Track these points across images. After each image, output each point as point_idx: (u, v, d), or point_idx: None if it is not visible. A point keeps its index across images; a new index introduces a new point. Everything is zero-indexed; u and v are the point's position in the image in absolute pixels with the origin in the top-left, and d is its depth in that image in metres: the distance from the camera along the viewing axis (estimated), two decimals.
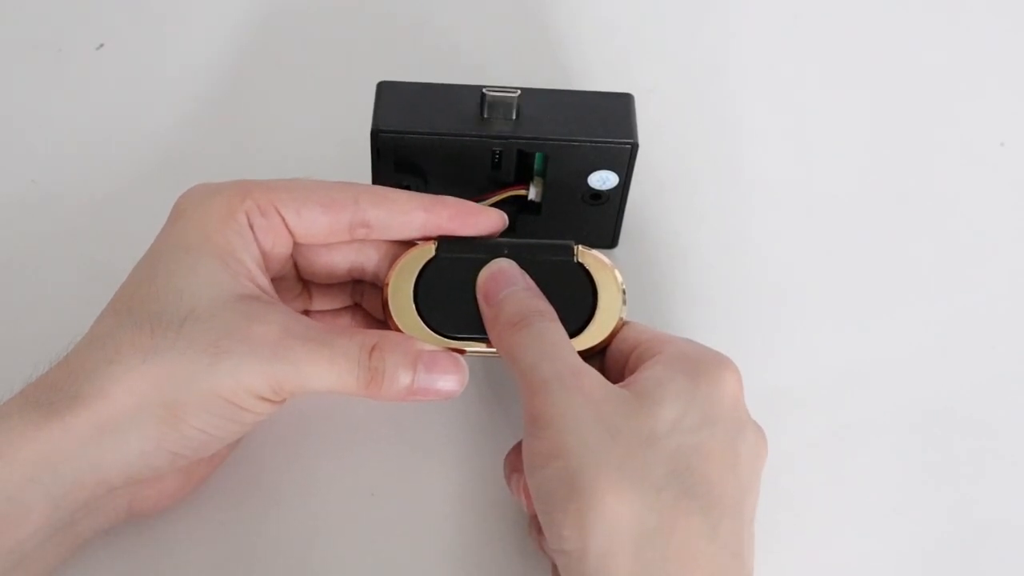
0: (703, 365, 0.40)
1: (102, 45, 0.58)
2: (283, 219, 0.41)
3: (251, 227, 0.40)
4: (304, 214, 0.41)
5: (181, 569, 0.42)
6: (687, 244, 0.52)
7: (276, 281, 0.42)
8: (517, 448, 0.40)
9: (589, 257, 0.43)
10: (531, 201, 0.48)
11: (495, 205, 0.46)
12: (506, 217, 0.43)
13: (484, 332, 0.42)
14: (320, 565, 0.42)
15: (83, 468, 0.36)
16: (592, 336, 0.42)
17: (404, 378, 0.39)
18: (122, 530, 0.41)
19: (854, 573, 0.44)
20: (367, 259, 0.43)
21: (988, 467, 0.47)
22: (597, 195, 0.47)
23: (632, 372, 0.40)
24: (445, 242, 0.43)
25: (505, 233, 0.44)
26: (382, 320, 0.44)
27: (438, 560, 0.43)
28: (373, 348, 0.39)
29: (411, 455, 0.45)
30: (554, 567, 0.40)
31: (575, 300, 0.42)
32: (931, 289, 0.52)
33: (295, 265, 0.44)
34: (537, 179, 0.47)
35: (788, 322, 0.50)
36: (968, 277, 0.53)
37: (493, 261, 0.42)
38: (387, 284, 0.42)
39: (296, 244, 0.42)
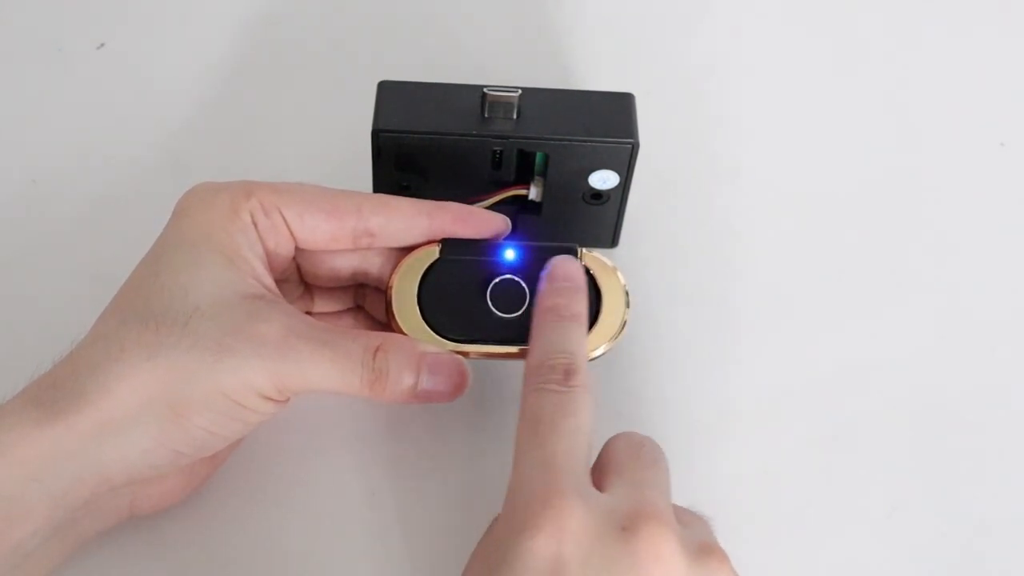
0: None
1: (102, 45, 0.58)
2: (286, 222, 0.41)
3: (255, 226, 0.40)
4: (307, 219, 0.41)
5: (181, 569, 0.42)
6: (687, 244, 0.52)
7: (279, 283, 0.42)
8: None
9: (593, 260, 0.43)
10: (532, 201, 0.48)
11: (496, 205, 0.46)
12: (509, 222, 0.44)
13: (487, 335, 0.42)
14: (320, 565, 0.42)
15: (85, 467, 0.36)
16: (596, 339, 0.42)
17: (407, 380, 0.39)
18: (122, 530, 0.41)
19: (853, 573, 0.44)
20: (370, 264, 0.44)
21: (986, 467, 0.47)
22: (598, 195, 0.47)
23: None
24: (449, 244, 0.43)
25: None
26: (383, 322, 0.44)
27: (438, 560, 0.43)
28: (377, 349, 0.39)
29: (411, 455, 0.45)
30: None
31: None
32: (931, 289, 0.52)
33: (298, 268, 0.44)
34: (538, 179, 0.47)
35: (788, 322, 0.50)
36: (967, 277, 0.53)
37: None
38: (391, 286, 0.42)
39: (298, 248, 0.42)
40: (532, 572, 0.32)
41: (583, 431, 0.36)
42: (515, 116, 0.45)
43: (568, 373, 0.37)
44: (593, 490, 0.35)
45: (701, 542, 0.35)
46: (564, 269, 0.42)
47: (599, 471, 0.37)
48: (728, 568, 0.35)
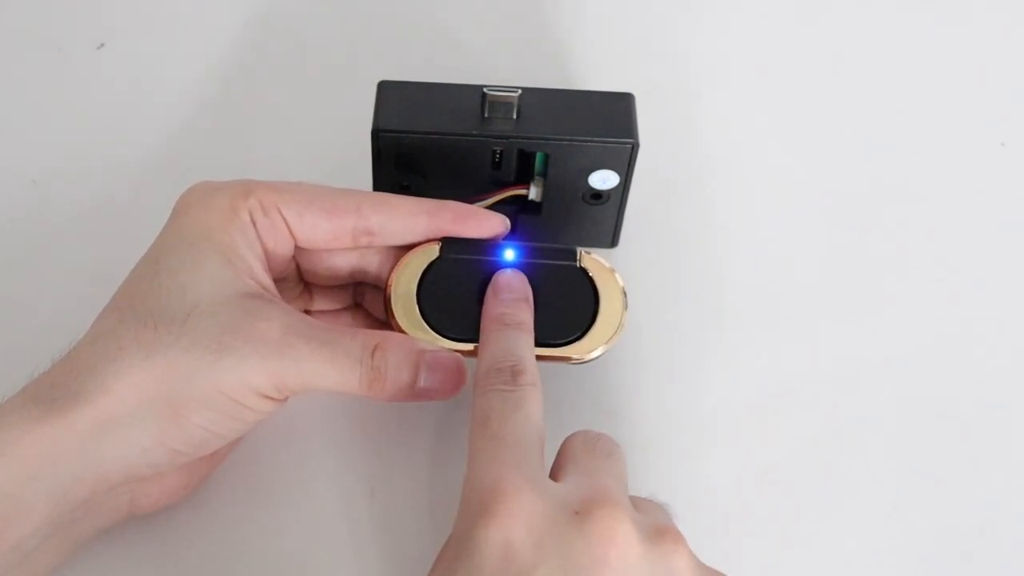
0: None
1: (102, 45, 0.58)
2: (285, 221, 0.41)
3: (254, 225, 0.40)
4: (306, 218, 0.41)
5: (181, 568, 0.42)
6: (687, 244, 0.52)
7: (277, 282, 0.42)
8: None
9: (591, 262, 0.43)
10: (532, 201, 0.48)
11: (496, 205, 0.46)
12: (508, 222, 0.44)
13: None
14: (320, 565, 0.42)
15: (84, 465, 0.36)
16: (594, 341, 0.42)
17: (406, 378, 0.39)
18: (122, 530, 0.41)
19: (852, 573, 0.44)
20: (369, 263, 0.44)
21: (986, 467, 0.47)
22: (598, 195, 0.47)
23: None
24: (449, 243, 0.43)
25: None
26: (382, 320, 0.44)
27: None
28: (375, 348, 0.39)
29: (411, 455, 0.45)
30: None
31: (577, 305, 0.43)
32: (931, 289, 0.52)
33: (297, 266, 0.44)
34: (538, 179, 0.47)
35: (788, 321, 0.50)
36: (967, 277, 0.53)
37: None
38: (390, 284, 0.42)
39: (297, 247, 0.42)
40: (486, 560, 0.32)
41: (533, 423, 0.37)
42: (515, 116, 0.45)
43: (515, 373, 0.38)
44: (546, 479, 0.36)
45: (656, 524, 0.35)
46: (506, 281, 0.42)
47: (556, 469, 0.38)
48: (683, 548, 0.35)
